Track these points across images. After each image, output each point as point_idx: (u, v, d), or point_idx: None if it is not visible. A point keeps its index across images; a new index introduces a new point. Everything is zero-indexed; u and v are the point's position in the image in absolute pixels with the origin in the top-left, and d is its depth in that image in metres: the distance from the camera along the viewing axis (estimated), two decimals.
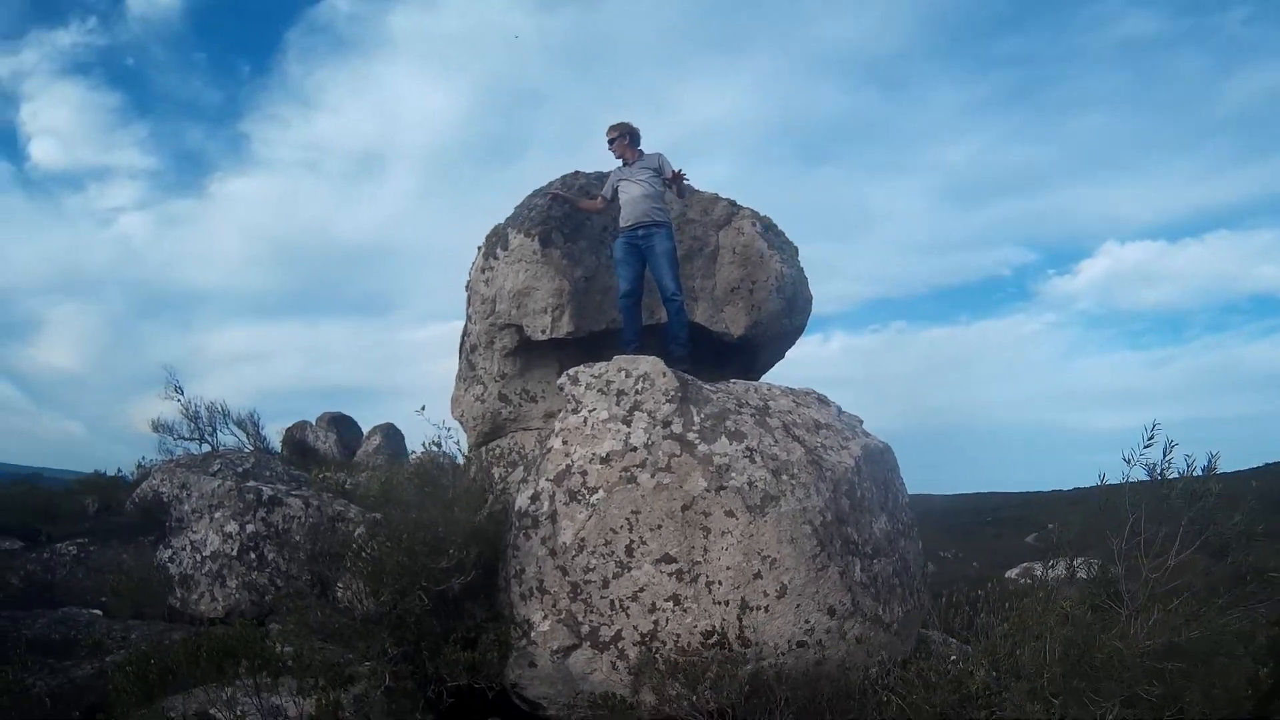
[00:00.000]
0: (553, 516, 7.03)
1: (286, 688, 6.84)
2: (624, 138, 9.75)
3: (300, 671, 6.89)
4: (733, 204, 10.72)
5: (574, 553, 6.87)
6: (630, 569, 6.72)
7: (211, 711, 6.83)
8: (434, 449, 8.90)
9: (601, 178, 10.22)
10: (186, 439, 21.37)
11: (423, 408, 8.96)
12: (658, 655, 6.43)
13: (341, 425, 24.71)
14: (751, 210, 10.75)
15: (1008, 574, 9.77)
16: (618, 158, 9.82)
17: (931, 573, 10.78)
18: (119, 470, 22.41)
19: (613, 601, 6.70)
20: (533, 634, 6.89)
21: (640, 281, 9.47)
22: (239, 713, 6.48)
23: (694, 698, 6.08)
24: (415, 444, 19.88)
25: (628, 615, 6.64)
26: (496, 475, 8.62)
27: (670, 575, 6.63)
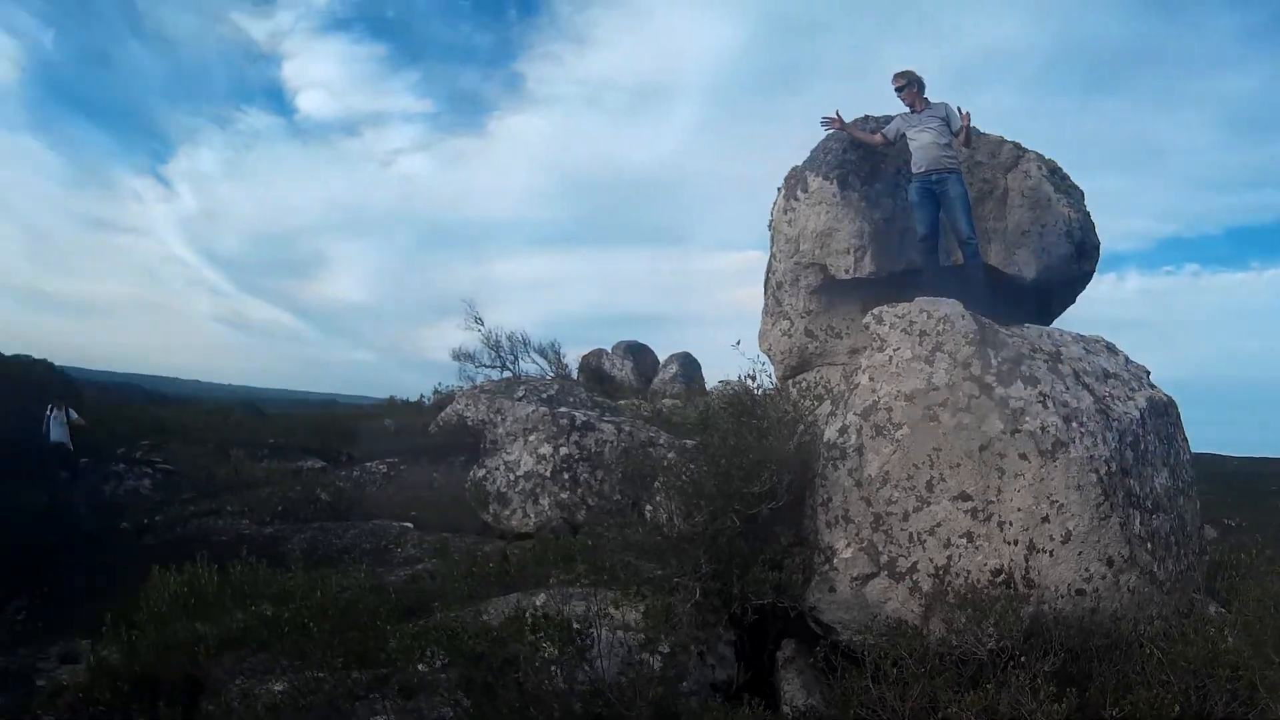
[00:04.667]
0: (859, 449, 7.76)
1: (600, 597, 7.72)
2: (911, 86, 10.31)
3: (625, 582, 7.92)
4: (1018, 147, 11.08)
5: (878, 485, 7.59)
6: (929, 504, 7.41)
7: (536, 603, 7.82)
8: (748, 380, 9.73)
9: (890, 120, 10.79)
10: (487, 366, 23.13)
11: (738, 342, 9.84)
12: (949, 588, 7.09)
13: (637, 353, 25.94)
14: (1036, 153, 11.15)
15: None
16: (906, 104, 10.37)
17: (1211, 539, 11.00)
18: (420, 396, 24.60)
19: (911, 534, 7.40)
20: (835, 560, 7.65)
21: (937, 224, 10.06)
22: (566, 608, 7.29)
23: (978, 632, 6.70)
24: (711, 372, 20.91)
25: (924, 548, 7.34)
26: (804, 408, 9.35)
27: (965, 513, 7.30)
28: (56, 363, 26.76)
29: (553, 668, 6.60)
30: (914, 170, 10.14)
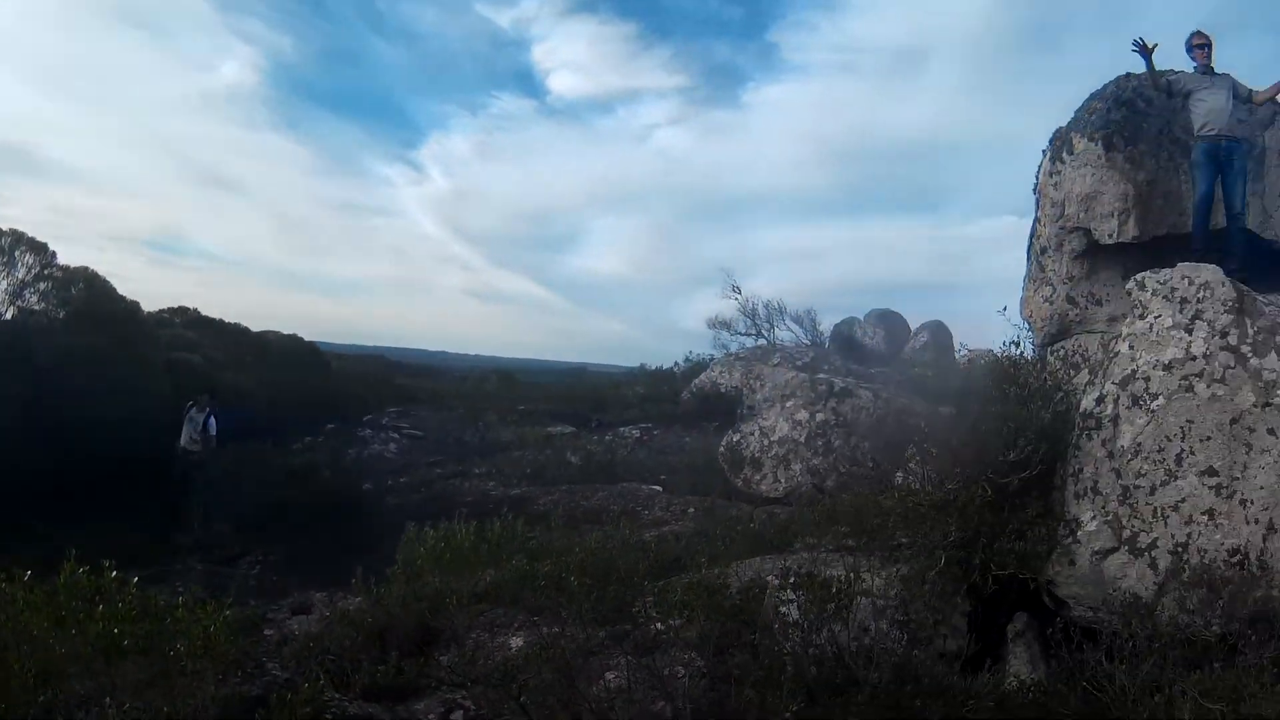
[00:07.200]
0: (1115, 420, 7.86)
1: (852, 562, 7.84)
2: (1208, 47, 10.32)
3: (879, 547, 8.30)
4: (1277, 100, 10.81)
5: (1130, 456, 7.66)
6: (1176, 478, 7.45)
7: (768, 577, 8.08)
8: (1011, 348, 9.91)
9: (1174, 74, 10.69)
10: (742, 334, 23.89)
11: (1004, 309, 10.13)
12: (1185, 566, 7.13)
13: (888, 321, 26.06)
14: None
15: None
16: (1199, 64, 10.36)
17: None
18: (675, 364, 25.55)
19: (1156, 509, 7.45)
20: (1079, 533, 7.76)
21: (1214, 188, 9.99)
22: (820, 570, 7.37)
23: (1208, 614, 6.75)
24: (965, 341, 21.03)
25: (1166, 524, 7.38)
26: (1062, 376, 9.50)
27: (1210, 489, 7.32)
28: (306, 337, 28.83)
29: (793, 630, 6.81)
30: (1201, 132, 10.08)
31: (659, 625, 7.28)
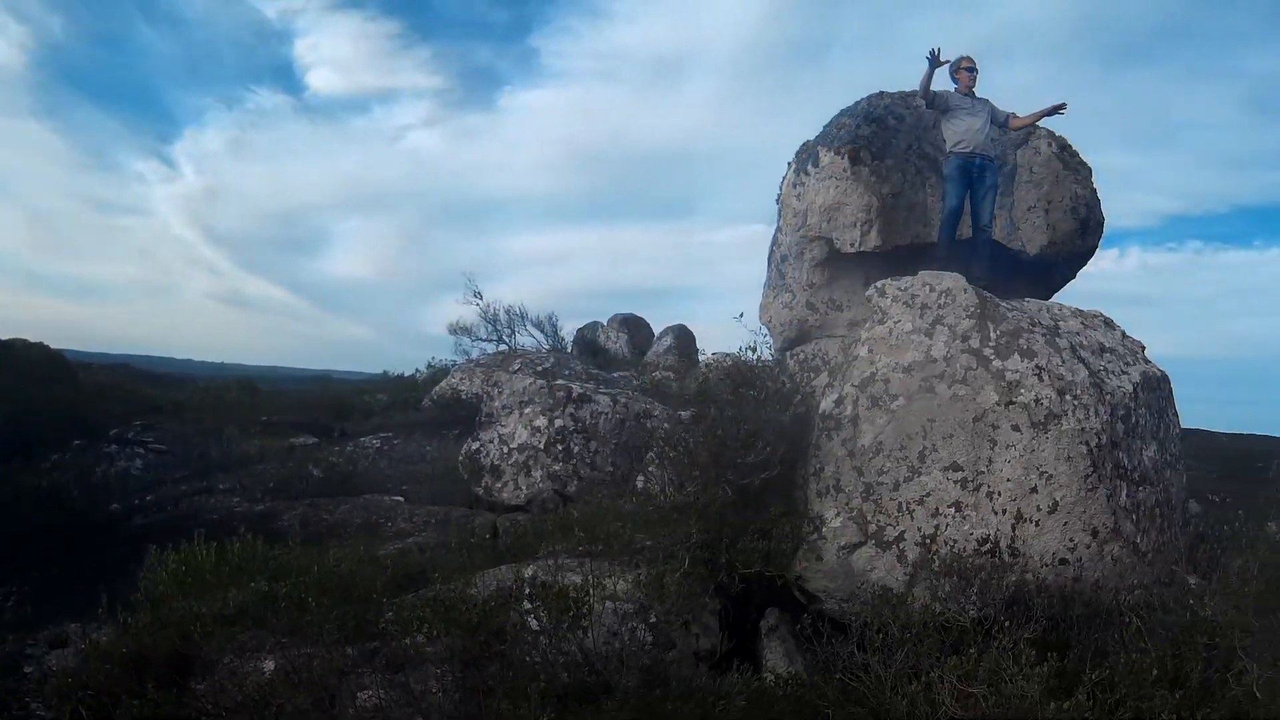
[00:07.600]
0: (854, 420, 8.05)
1: (593, 567, 7.91)
2: (974, 73, 10.88)
3: (618, 552, 8.29)
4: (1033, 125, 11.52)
5: (871, 455, 7.88)
6: (920, 474, 7.71)
7: (526, 574, 8.05)
8: (749, 352, 10.12)
9: (905, 97, 11.23)
10: (484, 340, 23.80)
11: (741, 315, 10.33)
12: (935, 557, 7.40)
13: (632, 326, 26.38)
14: (1048, 130, 11.67)
15: (1270, 525, 10.01)
16: (962, 86, 10.87)
17: (1195, 513, 11.36)
18: (416, 370, 25.22)
19: (901, 504, 7.70)
20: (824, 529, 7.94)
21: (965, 201, 10.55)
22: (559, 578, 7.51)
23: (962, 600, 7.01)
24: (707, 345, 21.49)
25: (912, 518, 7.64)
26: (801, 379, 9.75)
27: (955, 483, 7.60)
28: (53, 345, 27.26)
29: (541, 638, 6.79)
30: (956, 149, 10.64)
31: (406, 641, 7.15)
